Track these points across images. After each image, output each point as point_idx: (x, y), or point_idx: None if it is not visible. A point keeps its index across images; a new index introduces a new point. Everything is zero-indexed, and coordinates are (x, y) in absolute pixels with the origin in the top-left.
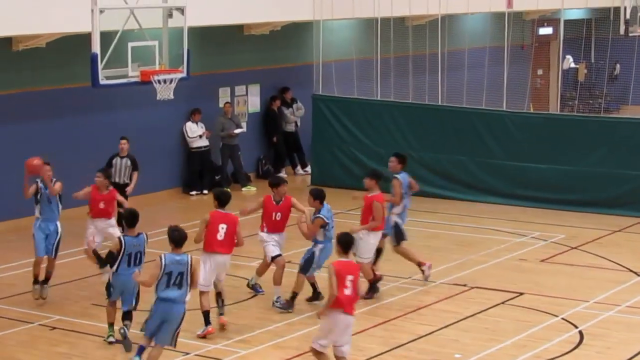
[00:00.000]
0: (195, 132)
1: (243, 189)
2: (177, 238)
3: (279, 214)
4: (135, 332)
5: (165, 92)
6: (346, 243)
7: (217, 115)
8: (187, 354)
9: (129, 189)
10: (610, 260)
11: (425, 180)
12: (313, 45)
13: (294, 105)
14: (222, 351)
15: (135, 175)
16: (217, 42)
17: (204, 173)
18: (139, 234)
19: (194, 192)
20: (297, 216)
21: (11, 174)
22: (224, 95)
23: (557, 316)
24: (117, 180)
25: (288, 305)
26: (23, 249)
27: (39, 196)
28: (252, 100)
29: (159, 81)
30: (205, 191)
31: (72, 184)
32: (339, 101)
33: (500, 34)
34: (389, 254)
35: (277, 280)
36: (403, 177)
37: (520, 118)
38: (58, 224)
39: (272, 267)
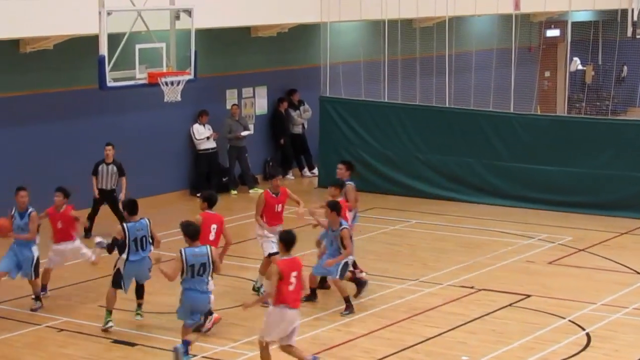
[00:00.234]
0: (203, 134)
1: (250, 190)
2: (192, 232)
3: (279, 205)
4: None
5: (172, 94)
6: (288, 241)
7: (224, 117)
8: (194, 355)
9: (121, 196)
10: (617, 263)
11: (432, 182)
12: (320, 47)
13: (301, 107)
14: (229, 353)
15: (123, 180)
16: (224, 44)
17: (211, 175)
18: (140, 219)
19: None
20: (305, 210)
21: (18, 175)
22: (231, 97)
23: (564, 318)
24: (103, 187)
25: (350, 310)
26: None
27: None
28: (259, 102)
29: (166, 83)
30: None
31: (78, 185)
32: (346, 103)
33: (507, 36)
34: (403, 257)
35: (263, 271)
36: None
37: (528, 120)
38: (33, 248)
39: None
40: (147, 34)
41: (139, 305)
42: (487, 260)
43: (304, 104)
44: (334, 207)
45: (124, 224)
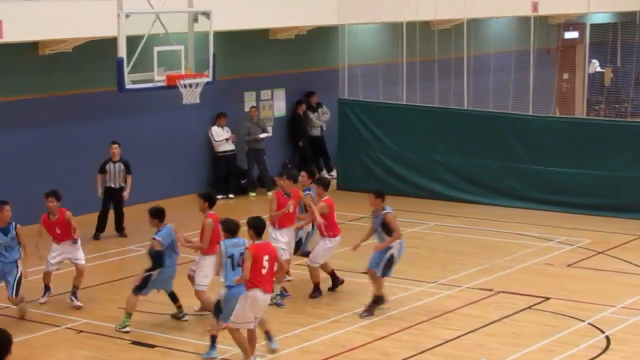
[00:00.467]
0: (221, 136)
1: (269, 193)
2: (234, 228)
3: (291, 206)
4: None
5: (191, 97)
6: (258, 227)
7: (242, 120)
8: (214, 359)
9: (125, 194)
10: (636, 265)
11: (451, 184)
12: (338, 49)
13: (320, 110)
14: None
15: (129, 178)
16: (242, 47)
17: (230, 177)
18: (164, 225)
19: (219, 196)
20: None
21: (37, 177)
22: (249, 99)
23: (583, 321)
24: (112, 185)
25: (369, 312)
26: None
27: None
28: (277, 104)
29: (185, 85)
30: (231, 195)
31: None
32: (365, 105)
33: (525, 38)
34: (422, 259)
35: (280, 280)
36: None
37: (547, 122)
38: (17, 262)
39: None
40: (166, 37)
41: (180, 307)
42: (505, 263)
43: (322, 107)
44: (380, 194)
45: (157, 237)
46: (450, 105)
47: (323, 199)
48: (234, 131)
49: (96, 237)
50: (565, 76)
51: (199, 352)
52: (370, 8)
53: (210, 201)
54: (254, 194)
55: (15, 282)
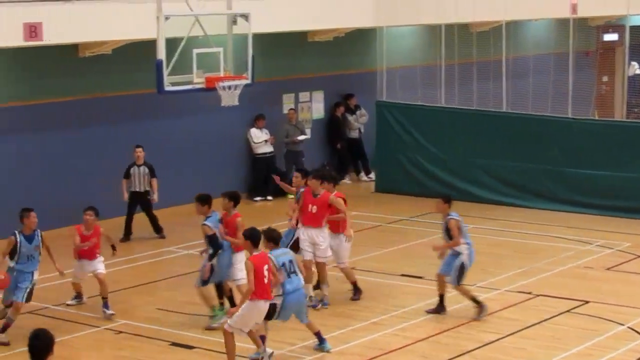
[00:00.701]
0: (260, 138)
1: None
2: (276, 237)
3: (314, 207)
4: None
5: (229, 99)
6: (255, 237)
7: (281, 122)
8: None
9: (154, 198)
10: None
11: (489, 187)
12: (377, 51)
13: (358, 112)
14: (287, 356)
15: (154, 182)
16: (281, 49)
17: (269, 179)
18: (212, 212)
19: (258, 198)
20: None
21: (78, 178)
22: (288, 101)
23: (623, 325)
24: (137, 189)
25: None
26: None
27: (18, 251)
28: (316, 106)
29: (223, 87)
30: (270, 197)
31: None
32: (403, 108)
33: (564, 40)
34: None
35: (308, 280)
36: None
37: (586, 125)
38: (34, 273)
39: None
40: (205, 39)
41: (222, 305)
42: (544, 266)
43: (360, 109)
44: (447, 200)
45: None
46: (488, 108)
47: (334, 193)
48: (273, 133)
49: (123, 240)
50: (605, 79)
51: (239, 354)
52: (409, 10)
53: (235, 200)
54: (292, 196)
55: (29, 289)
